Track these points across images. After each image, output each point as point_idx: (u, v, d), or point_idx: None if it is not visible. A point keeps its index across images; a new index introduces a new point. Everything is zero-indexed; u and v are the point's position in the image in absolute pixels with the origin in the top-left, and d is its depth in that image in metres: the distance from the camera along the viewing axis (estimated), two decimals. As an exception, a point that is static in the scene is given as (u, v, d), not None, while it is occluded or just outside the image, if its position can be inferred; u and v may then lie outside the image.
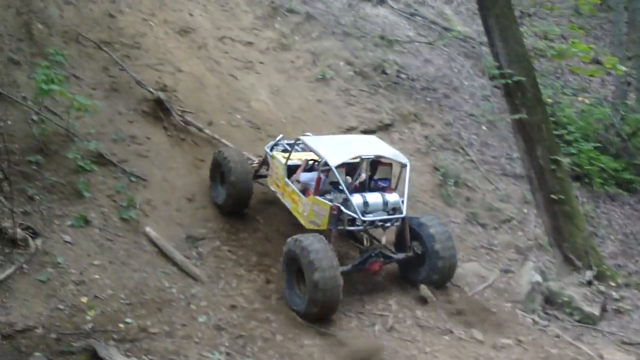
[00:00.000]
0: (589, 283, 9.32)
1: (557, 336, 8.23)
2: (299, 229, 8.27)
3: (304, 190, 8.29)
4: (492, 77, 14.52)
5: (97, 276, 7.62)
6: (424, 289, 8.40)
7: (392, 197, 8.19)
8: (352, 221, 7.87)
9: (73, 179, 8.59)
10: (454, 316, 8.23)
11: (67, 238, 7.92)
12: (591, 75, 16.16)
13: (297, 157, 8.88)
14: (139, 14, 12.61)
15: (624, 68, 11.07)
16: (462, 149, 13.08)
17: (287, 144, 9.38)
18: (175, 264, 8.24)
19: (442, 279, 8.46)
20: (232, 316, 7.56)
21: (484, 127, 13.99)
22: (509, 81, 9.55)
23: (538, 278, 9.20)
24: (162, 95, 10.61)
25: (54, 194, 8.34)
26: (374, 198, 8.06)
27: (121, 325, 6.99)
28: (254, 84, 12.30)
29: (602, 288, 9.35)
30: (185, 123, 10.55)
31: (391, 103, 13.32)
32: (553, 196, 9.66)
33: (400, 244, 8.51)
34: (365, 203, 7.93)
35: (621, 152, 14.39)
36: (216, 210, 9.42)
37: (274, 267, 8.52)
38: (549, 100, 14.16)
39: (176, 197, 9.33)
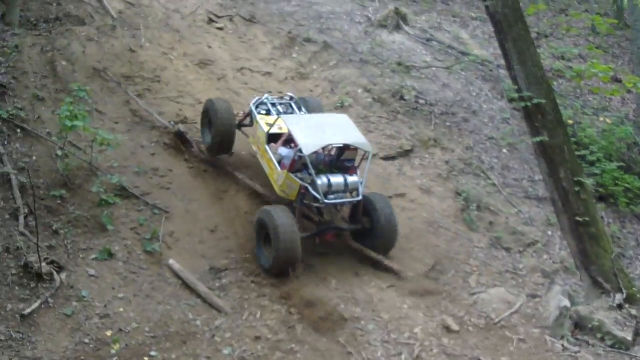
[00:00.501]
0: (620, 307, 9.07)
1: (589, 363, 8.04)
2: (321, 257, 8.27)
3: (280, 161, 9.44)
4: (511, 100, 14.50)
5: (121, 309, 7.65)
6: (447, 320, 8.40)
7: (353, 179, 9.26)
8: (317, 199, 8.93)
9: (97, 213, 8.70)
10: (481, 343, 8.10)
11: (92, 272, 8.00)
12: (611, 95, 16.03)
13: (277, 125, 9.68)
14: (159, 48, 12.88)
15: (644, 86, 10.91)
16: (484, 173, 12.97)
17: (271, 104, 10.49)
18: (199, 296, 8.24)
19: (386, 247, 9.56)
20: (256, 348, 7.51)
21: (504, 150, 13.88)
22: (529, 104, 9.46)
23: (566, 302, 9.00)
24: (182, 127, 10.73)
25: (79, 228, 8.46)
26: (337, 179, 9.12)
27: (146, 358, 7.00)
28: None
29: (634, 312, 9.09)
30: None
31: (411, 129, 13.30)
32: (578, 218, 9.48)
33: (353, 217, 9.65)
34: (330, 185, 9.00)
35: (646, 170, 14.15)
36: (239, 241, 9.42)
37: (297, 297, 8.46)
38: (570, 121, 14.02)
39: (199, 228, 9.37)
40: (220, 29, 14.66)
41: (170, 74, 12.30)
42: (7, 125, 9.36)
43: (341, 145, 9.36)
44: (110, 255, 8.31)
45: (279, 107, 10.48)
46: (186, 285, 8.35)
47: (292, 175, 9.02)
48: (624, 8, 21.64)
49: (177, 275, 8.44)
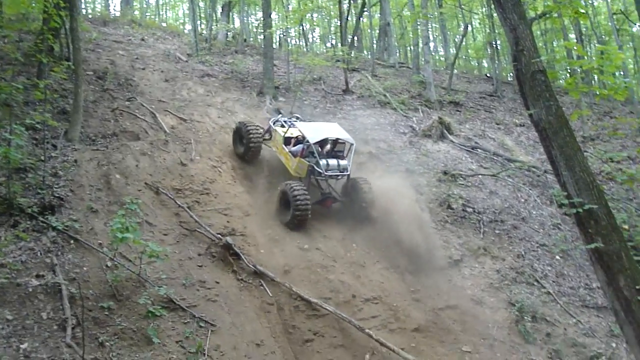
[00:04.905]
0: None
1: None
2: None
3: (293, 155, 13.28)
4: (561, 205, 14.24)
5: None
6: None
7: (343, 162, 13.18)
8: (319, 174, 12.82)
9: (143, 325, 8.63)
10: None
11: (136, 386, 7.82)
12: (666, 195, 15.59)
13: (290, 132, 13.86)
14: (209, 161, 13.28)
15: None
16: (537, 281, 12.51)
17: (284, 120, 14.58)
18: (244, 412, 7.94)
19: (367, 212, 12.86)
20: None
21: (557, 257, 13.45)
22: (580, 210, 9.22)
23: (638, 423, 8.30)
24: (230, 239, 10.82)
25: (124, 340, 8.36)
26: (333, 162, 13.02)
27: None
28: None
29: None
30: (256, 270, 10.65)
31: (459, 238, 13.10)
32: (643, 329, 8.91)
33: (344, 192, 13.38)
34: (328, 164, 12.89)
35: None
36: (285, 356, 9.17)
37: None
38: (625, 226, 13.60)
39: (245, 342, 9.17)
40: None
41: (219, 186, 12.60)
42: (61, 236, 9.61)
43: (334, 139, 13.34)
44: (155, 368, 8.15)
45: (290, 122, 14.24)
46: (232, 402, 8.06)
47: (302, 159, 12.93)
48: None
49: (222, 390, 8.19)
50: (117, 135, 13.33)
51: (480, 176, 15.66)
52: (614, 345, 11.21)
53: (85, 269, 9.21)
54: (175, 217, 11.15)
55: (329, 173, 12.86)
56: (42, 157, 11.06)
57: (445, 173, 15.33)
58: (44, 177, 10.59)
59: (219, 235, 10.95)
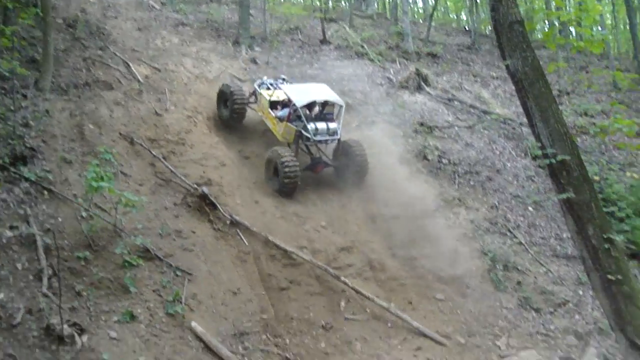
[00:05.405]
0: (659, 370, 8.68)
1: None
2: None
3: (280, 119, 12.67)
4: (535, 157, 14.41)
5: (142, 373, 7.49)
6: None
7: (333, 125, 12.55)
8: (308, 139, 12.26)
9: (120, 274, 8.65)
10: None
11: (113, 334, 7.87)
12: (637, 150, 15.85)
13: (276, 95, 13.17)
14: (184, 111, 13.12)
15: (671, 141, 10.79)
16: (510, 231, 12.77)
17: (270, 83, 13.89)
18: (221, 359, 8.06)
19: (360, 176, 12.65)
20: (279, 413, 7.29)
21: (530, 209, 13.70)
22: (553, 161, 9.35)
23: (602, 365, 8.67)
24: (206, 189, 10.80)
25: (101, 290, 8.38)
26: (322, 125, 12.40)
27: (166, 423, 6.80)
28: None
29: (673, 375, 8.69)
30: (232, 220, 10.67)
31: (434, 189, 13.24)
32: (610, 276, 9.19)
33: (336, 156, 12.93)
34: (316, 129, 12.29)
35: (678, 226, 13.78)
36: (262, 303, 9.29)
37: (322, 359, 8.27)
38: (596, 178, 13.85)
39: (222, 290, 9.27)
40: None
41: (195, 137, 12.49)
42: (34, 188, 9.47)
43: (322, 101, 12.79)
44: (132, 317, 8.20)
45: (276, 84, 13.70)
46: (208, 349, 8.17)
47: (289, 124, 12.34)
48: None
49: (199, 338, 8.29)
50: (90, 85, 13.02)
51: (456, 128, 15.74)
52: (580, 292, 11.57)
53: (59, 219, 9.13)
54: (150, 168, 11.06)
55: (318, 138, 12.31)
56: (12, 107, 10.79)
57: (421, 124, 15.37)
58: (14, 127, 10.35)
59: (195, 186, 10.92)
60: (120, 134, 11.64)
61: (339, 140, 12.67)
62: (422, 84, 17.83)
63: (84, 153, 10.70)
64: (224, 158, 12.22)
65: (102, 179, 9.08)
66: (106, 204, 9.64)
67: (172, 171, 11.11)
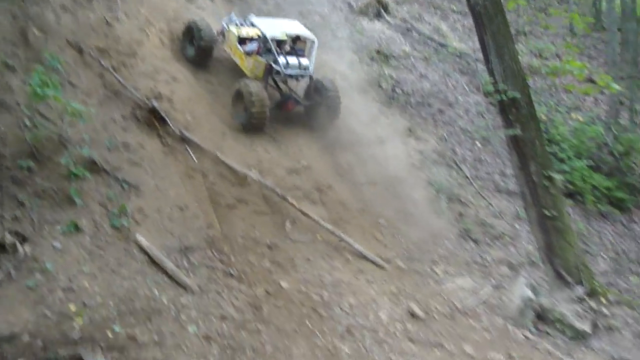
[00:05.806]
0: (581, 300, 9.28)
1: (549, 352, 8.20)
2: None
3: (248, 54, 12.17)
4: (487, 94, 14.63)
5: (86, 284, 7.50)
6: (413, 306, 8.51)
7: (304, 61, 12.04)
8: (278, 73, 11.82)
9: (65, 186, 8.49)
10: (445, 331, 8.19)
11: (57, 244, 7.81)
12: (585, 94, 16.27)
13: (245, 32, 12.59)
14: (136, 22, 12.62)
15: (617, 87, 11.10)
16: (456, 164, 13.09)
17: (238, 20, 13.11)
18: (165, 273, 8.12)
19: (331, 117, 12.24)
20: (222, 326, 7.48)
21: (478, 143, 14.02)
22: (504, 97, 9.56)
23: (530, 294, 9.18)
24: (156, 103, 10.58)
25: (45, 200, 8.23)
26: (293, 60, 11.90)
27: (109, 333, 6.89)
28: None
29: (594, 305, 9.31)
30: (182, 136, 10.52)
31: (386, 118, 13.34)
32: (546, 212, 9.64)
33: (307, 95, 12.47)
34: (287, 63, 11.79)
35: (614, 170, 14.41)
36: (209, 220, 9.35)
37: (266, 280, 8.45)
38: (543, 118, 14.21)
39: (168, 206, 9.24)
40: (199, 8, 14.50)
41: (146, 49, 12.09)
42: (-26, 93, 9.08)
43: (294, 36, 12.28)
44: (77, 228, 8.12)
45: (244, 22, 13.08)
46: (153, 262, 8.20)
47: (259, 57, 11.94)
48: (601, 10, 21.93)
49: (144, 251, 8.30)
50: (35, -13, 12.31)
51: (412, 59, 15.73)
52: (517, 227, 12.09)
53: (1, 127, 8.82)
54: (99, 79, 10.68)
55: (289, 72, 11.79)
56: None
57: (378, 52, 15.29)
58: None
59: (145, 99, 10.67)
60: (67, 41, 11.13)
61: (310, 77, 12.24)
62: (382, 11, 17.63)
63: (28, 59, 10.18)
64: (176, 73, 11.91)
65: (47, 86, 8.73)
66: (51, 114, 9.31)
67: (121, 83, 10.76)
